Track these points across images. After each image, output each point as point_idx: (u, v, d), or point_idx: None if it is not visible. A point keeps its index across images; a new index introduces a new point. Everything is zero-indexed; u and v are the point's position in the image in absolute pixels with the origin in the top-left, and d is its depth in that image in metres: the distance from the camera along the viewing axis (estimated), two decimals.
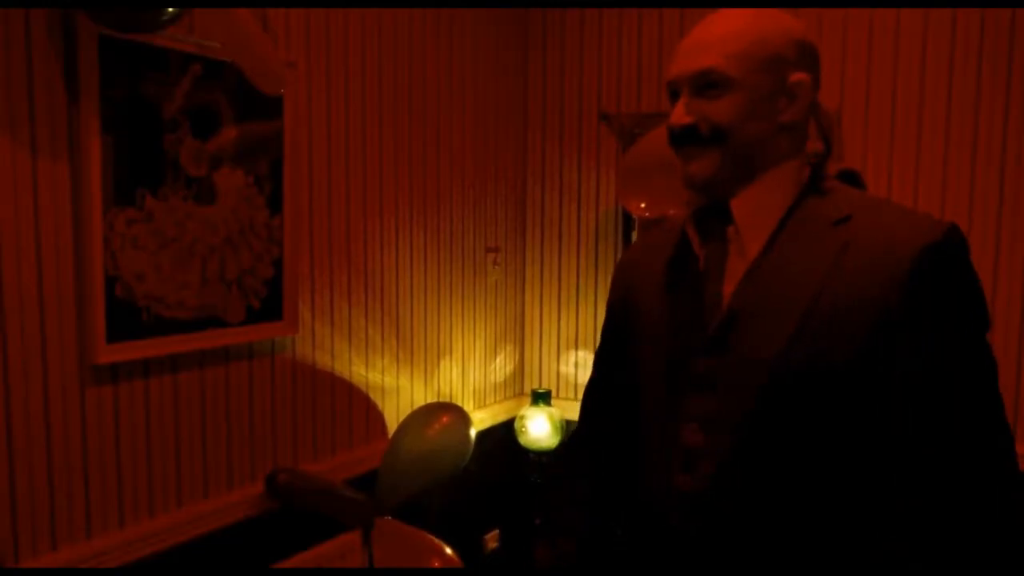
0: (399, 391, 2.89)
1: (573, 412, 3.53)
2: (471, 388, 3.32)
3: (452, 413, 2.89)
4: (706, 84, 1.29)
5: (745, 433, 1.27)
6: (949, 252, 1.22)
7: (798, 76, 1.29)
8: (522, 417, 3.40)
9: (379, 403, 2.80)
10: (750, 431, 1.26)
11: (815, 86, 1.33)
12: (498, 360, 3.49)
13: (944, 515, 1.19)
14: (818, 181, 1.34)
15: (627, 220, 3.34)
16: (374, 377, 2.77)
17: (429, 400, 2.99)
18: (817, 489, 1.24)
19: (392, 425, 2.81)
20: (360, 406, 2.72)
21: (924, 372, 1.20)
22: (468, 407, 3.24)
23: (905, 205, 1.36)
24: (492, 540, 3.47)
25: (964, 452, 1.19)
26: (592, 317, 3.52)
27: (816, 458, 1.24)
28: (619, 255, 3.43)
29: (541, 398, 3.40)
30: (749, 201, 1.32)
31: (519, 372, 3.66)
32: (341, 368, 2.63)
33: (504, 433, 3.48)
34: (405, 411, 2.81)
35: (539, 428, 3.35)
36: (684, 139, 1.32)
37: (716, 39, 1.30)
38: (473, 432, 2.96)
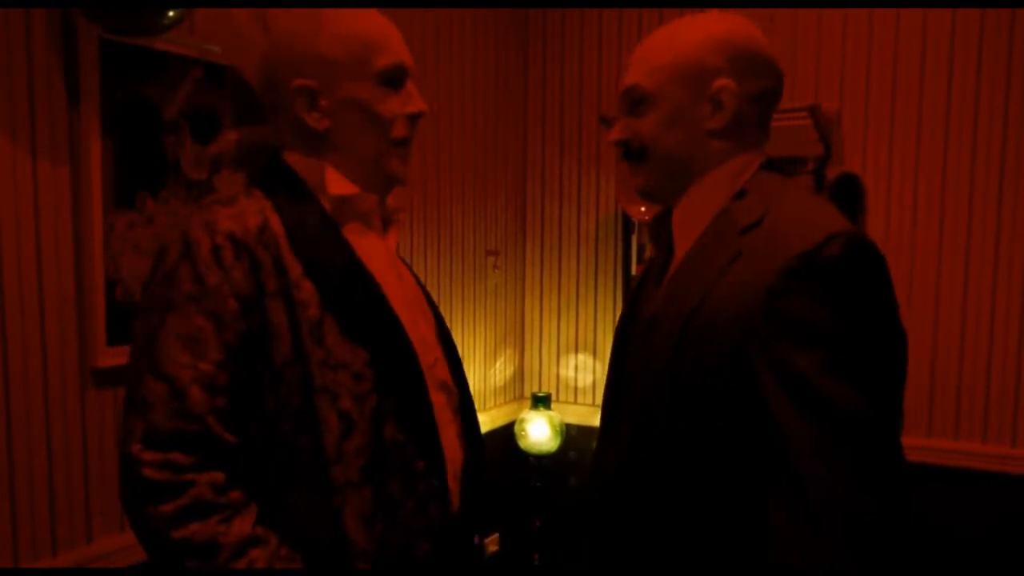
0: None
1: (573, 415, 3.54)
2: (471, 391, 3.30)
3: None
4: (633, 101, 1.35)
5: (637, 431, 1.33)
6: (822, 263, 1.15)
7: (721, 83, 1.29)
8: (522, 421, 3.40)
9: None
10: (642, 430, 1.32)
11: (762, 89, 1.31)
12: (498, 363, 3.49)
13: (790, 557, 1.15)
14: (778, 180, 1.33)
15: (627, 224, 3.34)
16: None
17: None
18: (704, 492, 1.26)
19: None
20: None
21: (771, 398, 1.16)
22: None
23: (823, 203, 1.33)
24: (492, 543, 3.47)
25: (807, 503, 1.13)
26: (592, 320, 3.51)
27: (701, 464, 1.25)
28: (619, 259, 3.44)
29: (541, 402, 3.39)
30: (684, 209, 1.35)
31: (519, 375, 3.66)
32: None
33: (504, 437, 3.47)
34: None
35: (539, 432, 3.35)
36: (623, 155, 1.39)
37: (639, 56, 1.36)
38: None
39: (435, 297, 3.11)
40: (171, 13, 1.76)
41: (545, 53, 3.55)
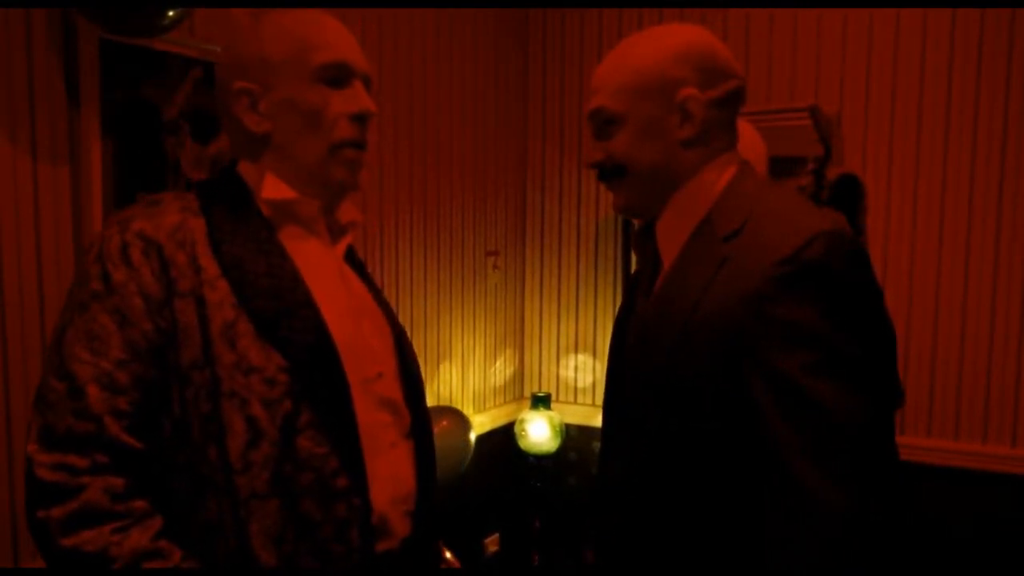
0: None
1: (573, 416, 3.55)
2: (471, 392, 3.31)
3: (451, 417, 2.89)
4: (602, 122, 1.38)
5: (637, 439, 1.34)
6: (805, 265, 1.17)
7: (686, 92, 1.30)
8: (522, 421, 3.39)
9: None
10: (641, 438, 1.33)
11: (726, 92, 1.32)
12: (498, 364, 3.49)
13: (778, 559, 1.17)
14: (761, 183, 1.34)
15: (627, 224, 3.34)
16: None
17: (429, 404, 2.98)
18: (702, 495, 1.27)
19: None
20: None
21: (761, 401, 1.17)
22: (468, 411, 3.23)
23: (801, 202, 1.35)
24: (492, 544, 3.47)
25: (797, 502, 1.15)
26: (591, 320, 3.51)
27: (698, 467, 1.26)
28: (619, 259, 3.44)
29: (541, 402, 3.39)
30: (666, 220, 1.37)
31: (519, 376, 3.66)
32: None
33: (504, 437, 3.47)
34: None
35: (539, 432, 3.35)
36: (599, 175, 1.41)
37: (600, 79, 1.38)
38: (473, 436, 2.96)
39: (435, 297, 3.14)
40: (171, 13, 1.76)
41: (545, 53, 3.54)
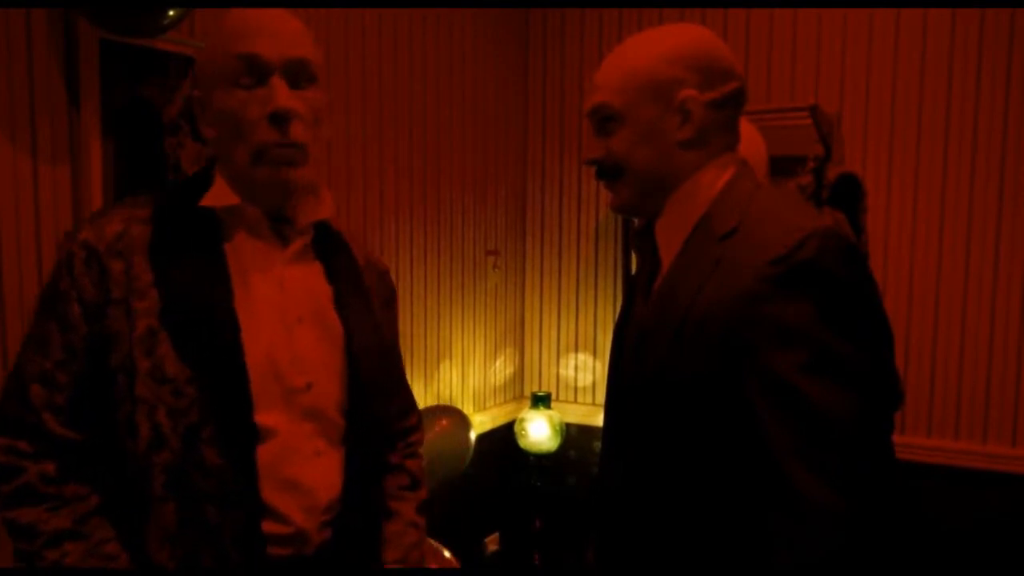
0: None
1: (573, 415, 3.55)
2: (471, 391, 3.31)
3: (451, 416, 2.89)
4: (602, 119, 1.38)
5: (636, 438, 1.34)
6: (798, 265, 1.17)
7: (686, 94, 1.30)
8: (522, 420, 3.40)
9: None
10: (643, 441, 1.33)
11: (725, 94, 1.32)
12: (498, 363, 3.49)
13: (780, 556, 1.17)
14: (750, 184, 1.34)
15: (627, 224, 3.34)
16: None
17: (429, 403, 2.99)
18: (705, 495, 1.27)
19: None
20: None
21: (756, 401, 1.17)
22: (468, 410, 3.23)
23: (796, 202, 1.35)
24: (492, 543, 3.47)
25: (791, 501, 1.15)
26: (592, 320, 3.51)
27: (700, 468, 1.26)
28: (619, 259, 3.44)
29: (541, 401, 3.39)
30: (665, 220, 1.37)
31: (519, 375, 3.66)
32: None
33: (504, 436, 3.47)
34: None
35: (539, 431, 3.35)
36: (597, 173, 1.41)
37: (602, 76, 1.38)
38: (473, 435, 2.96)
39: (435, 297, 3.14)
40: (171, 13, 1.76)
41: (545, 53, 3.54)
